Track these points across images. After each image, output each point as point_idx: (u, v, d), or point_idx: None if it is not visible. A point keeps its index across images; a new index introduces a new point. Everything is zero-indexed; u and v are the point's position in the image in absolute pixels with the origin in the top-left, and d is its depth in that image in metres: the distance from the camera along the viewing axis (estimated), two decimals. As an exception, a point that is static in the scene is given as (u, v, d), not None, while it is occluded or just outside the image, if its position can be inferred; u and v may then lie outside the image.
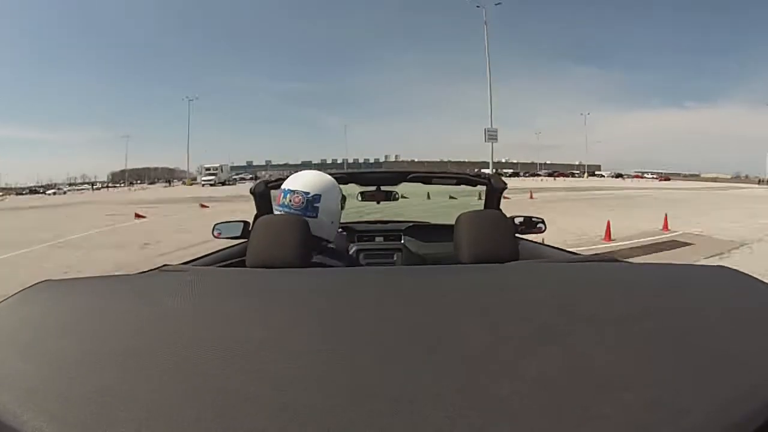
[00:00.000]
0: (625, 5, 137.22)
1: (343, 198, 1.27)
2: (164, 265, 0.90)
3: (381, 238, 2.19)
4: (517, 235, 1.28)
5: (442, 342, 0.45)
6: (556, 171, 74.32)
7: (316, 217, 1.15)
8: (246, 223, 1.70)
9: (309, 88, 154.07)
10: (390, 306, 0.57)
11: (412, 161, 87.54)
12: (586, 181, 43.51)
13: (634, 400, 0.36)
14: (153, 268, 0.94)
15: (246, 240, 1.55)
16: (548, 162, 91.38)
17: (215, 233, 1.71)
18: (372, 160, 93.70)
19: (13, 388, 0.39)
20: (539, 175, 64.25)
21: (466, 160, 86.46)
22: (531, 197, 16.65)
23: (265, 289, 0.67)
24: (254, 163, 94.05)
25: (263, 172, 69.86)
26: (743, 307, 0.55)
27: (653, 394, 0.37)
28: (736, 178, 70.41)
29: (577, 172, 75.06)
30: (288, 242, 0.93)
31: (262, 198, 1.51)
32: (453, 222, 1.07)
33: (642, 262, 0.84)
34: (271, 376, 0.40)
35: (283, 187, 1.19)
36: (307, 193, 1.15)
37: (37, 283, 0.66)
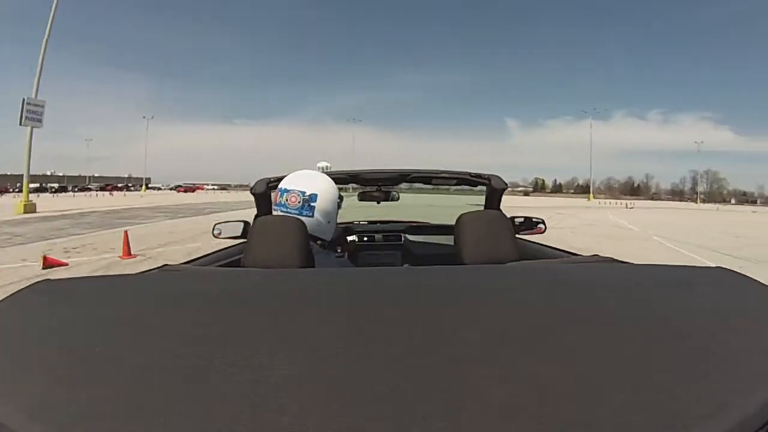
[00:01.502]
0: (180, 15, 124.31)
1: (340, 198, 1.27)
2: (164, 265, 0.90)
3: (381, 238, 2.18)
4: (517, 235, 1.27)
5: (441, 343, 0.45)
6: (109, 184, 66.96)
7: (312, 216, 1.15)
8: (246, 223, 1.71)
9: None
10: (389, 307, 0.57)
11: None
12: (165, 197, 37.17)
13: (632, 401, 0.36)
14: (153, 267, 0.95)
15: (245, 240, 1.61)
16: (97, 175, 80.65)
17: (215, 233, 1.71)
18: None
19: (13, 392, 0.39)
20: (90, 190, 56.31)
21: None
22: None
23: (264, 290, 0.67)
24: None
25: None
26: (741, 307, 0.55)
27: (652, 396, 0.36)
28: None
29: (133, 185, 70.58)
30: (286, 243, 0.94)
31: (262, 198, 1.50)
32: (453, 222, 1.07)
33: (641, 263, 0.76)
34: (270, 376, 0.40)
35: (280, 186, 1.20)
36: (304, 193, 1.16)
37: (37, 283, 0.66)
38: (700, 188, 67.13)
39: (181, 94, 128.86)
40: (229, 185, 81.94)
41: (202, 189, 65.65)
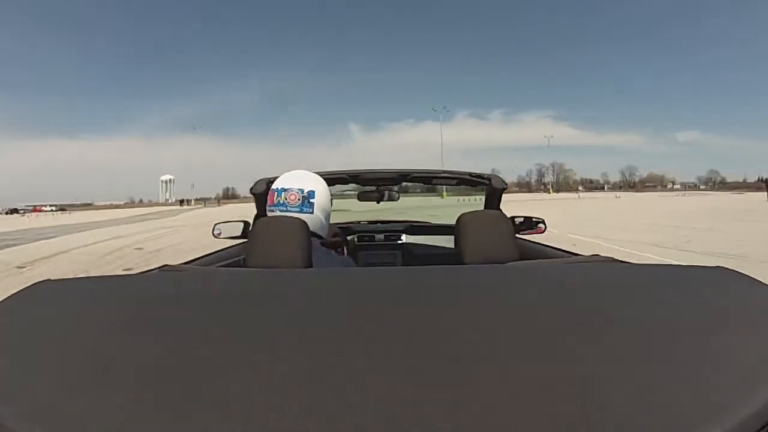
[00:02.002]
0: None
1: (330, 196, 1.27)
2: (164, 265, 0.90)
3: (381, 238, 2.18)
4: (517, 235, 1.28)
5: (442, 343, 0.45)
6: None
7: (312, 213, 1.16)
8: (246, 223, 1.71)
9: None
10: (390, 307, 0.57)
11: None
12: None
13: (633, 401, 0.36)
14: (153, 267, 0.95)
15: (246, 240, 1.55)
16: None
17: (215, 233, 1.71)
18: None
19: (13, 392, 0.39)
20: None
21: None
22: None
23: (265, 290, 0.67)
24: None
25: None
26: (742, 307, 0.55)
27: (652, 396, 0.36)
28: (131, 204, 72.09)
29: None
30: (288, 243, 0.93)
31: (262, 198, 1.48)
32: (453, 222, 1.07)
33: (641, 262, 0.83)
34: (271, 376, 0.40)
35: (274, 187, 1.20)
36: (302, 190, 1.17)
37: (37, 283, 0.66)
38: (547, 179, 69.12)
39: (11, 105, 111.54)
40: (71, 205, 73.27)
41: (40, 211, 59.86)
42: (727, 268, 0.65)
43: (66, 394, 0.38)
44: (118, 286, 0.71)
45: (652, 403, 0.36)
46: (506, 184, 1.57)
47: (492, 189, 1.58)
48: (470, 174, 1.65)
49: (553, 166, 71.38)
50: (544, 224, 1.81)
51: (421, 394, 0.37)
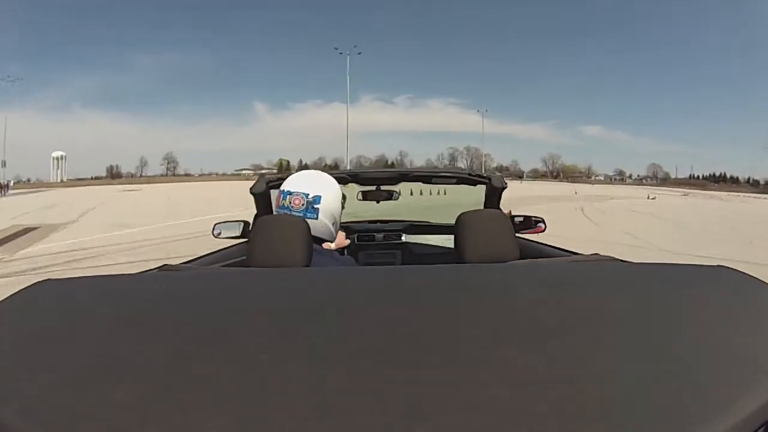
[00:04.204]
0: None
1: (344, 197, 1.25)
2: (164, 265, 0.89)
3: (381, 237, 2.18)
4: (517, 234, 1.28)
5: (442, 343, 0.45)
6: None
7: (316, 218, 1.13)
8: (246, 222, 1.69)
9: None
10: (390, 306, 0.57)
11: None
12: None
13: (633, 400, 0.36)
14: (153, 268, 0.94)
15: (246, 240, 1.54)
16: None
17: (215, 233, 1.70)
18: None
19: (13, 392, 0.39)
20: None
21: None
22: None
23: (265, 289, 0.67)
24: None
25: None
26: (743, 306, 0.55)
27: (653, 395, 0.37)
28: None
29: None
30: (288, 243, 0.93)
31: (262, 198, 1.48)
32: (453, 221, 1.07)
33: (642, 261, 0.82)
34: (271, 376, 0.40)
35: (281, 188, 1.17)
36: (307, 195, 1.14)
37: (37, 283, 0.65)
38: (461, 164, 63.51)
39: None
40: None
41: None
42: (728, 267, 0.65)
43: (66, 394, 0.38)
44: (118, 286, 0.70)
45: (652, 403, 0.36)
46: (506, 183, 1.58)
47: (492, 188, 1.58)
48: (470, 173, 1.66)
49: (467, 150, 64.66)
50: (544, 223, 1.80)
51: (423, 394, 0.37)
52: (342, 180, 1.67)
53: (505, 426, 0.34)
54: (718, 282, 0.64)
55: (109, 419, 0.35)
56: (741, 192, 40.63)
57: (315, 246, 1.03)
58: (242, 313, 0.55)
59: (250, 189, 1.46)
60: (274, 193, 1.28)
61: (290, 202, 1.13)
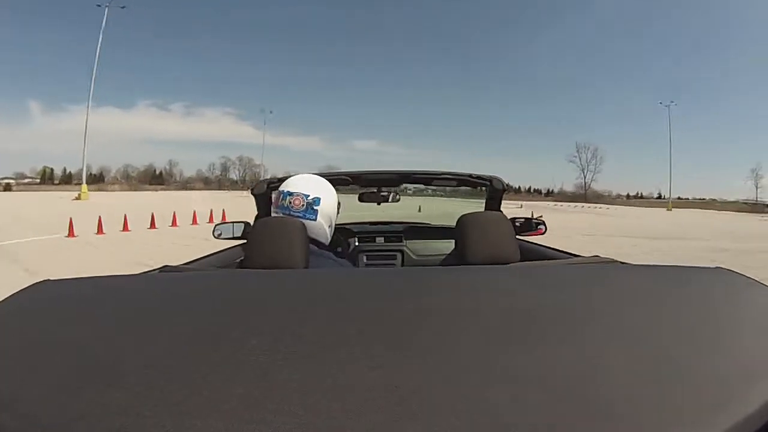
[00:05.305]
0: None
1: (338, 204, 1.27)
2: (164, 266, 0.90)
3: (381, 240, 2.18)
4: (517, 236, 1.28)
5: (442, 343, 0.45)
6: None
7: (315, 219, 1.15)
8: (247, 224, 1.70)
9: None
10: (390, 307, 0.57)
11: None
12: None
13: (633, 401, 0.36)
14: (153, 268, 0.94)
15: (246, 241, 1.54)
16: None
17: (215, 234, 1.71)
18: None
19: (13, 393, 0.39)
20: None
21: None
22: None
23: (264, 290, 0.67)
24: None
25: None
26: (741, 307, 0.56)
27: (652, 396, 0.37)
28: None
29: None
30: (286, 244, 0.93)
31: (263, 199, 1.50)
32: (454, 223, 1.08)
33: (641, 264, 0.82)
34: (269, 377, 0.40)
35: (281, 189, 1.20)
36: (308, 196, 1.16)
37: (37, 283, 0.65)
38: (232, 175, 60.28)
39: None
40: None
41: None
42: (726, 269, 0.66)
43: (66, 395, 0.38)
44: (118, 287, 0.71)
45: (652, 404, 0.36)
46: (506, 185, 1.58)
47: (493, 190, 1.59)
48: (471, 175, 1.66)
49: (240, 160, 61.83)
50: (545, 226, 1.81)
51: (423, 395, 0.37)
52: (341, 182, 1.69)
53: (506, 426, 0.34)
54: (716, 283, 0.64)
55: (109, 419, 0.35)
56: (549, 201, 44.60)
57: (312, 248, 1.04)
58: (240, 315, 0.55)
59: (251, 190, 1.49)
60: (274, 196, 1.29)
61: (290, 203, 1.15)
